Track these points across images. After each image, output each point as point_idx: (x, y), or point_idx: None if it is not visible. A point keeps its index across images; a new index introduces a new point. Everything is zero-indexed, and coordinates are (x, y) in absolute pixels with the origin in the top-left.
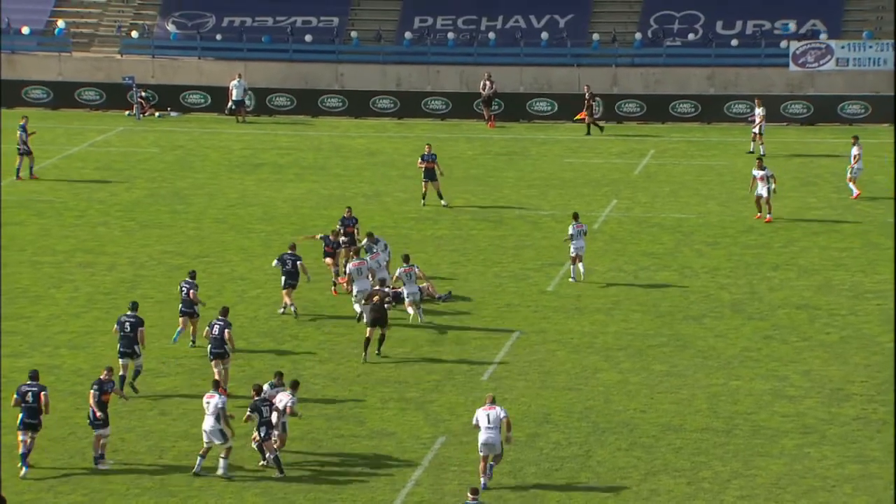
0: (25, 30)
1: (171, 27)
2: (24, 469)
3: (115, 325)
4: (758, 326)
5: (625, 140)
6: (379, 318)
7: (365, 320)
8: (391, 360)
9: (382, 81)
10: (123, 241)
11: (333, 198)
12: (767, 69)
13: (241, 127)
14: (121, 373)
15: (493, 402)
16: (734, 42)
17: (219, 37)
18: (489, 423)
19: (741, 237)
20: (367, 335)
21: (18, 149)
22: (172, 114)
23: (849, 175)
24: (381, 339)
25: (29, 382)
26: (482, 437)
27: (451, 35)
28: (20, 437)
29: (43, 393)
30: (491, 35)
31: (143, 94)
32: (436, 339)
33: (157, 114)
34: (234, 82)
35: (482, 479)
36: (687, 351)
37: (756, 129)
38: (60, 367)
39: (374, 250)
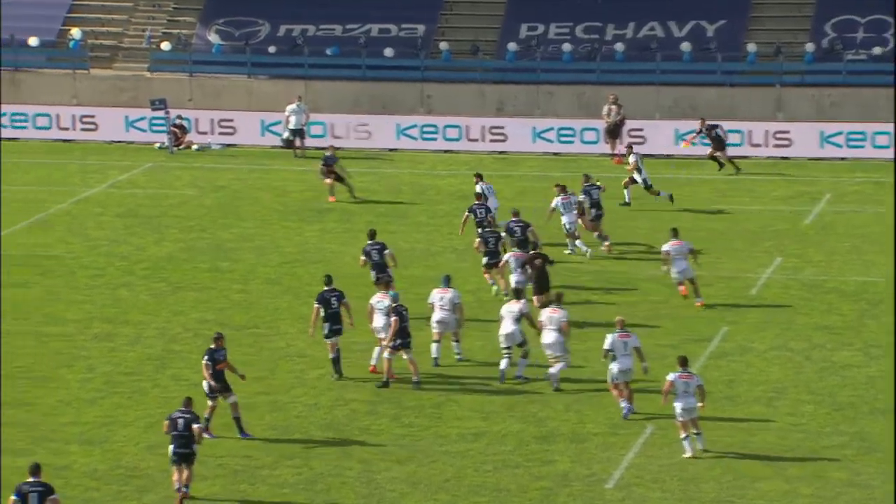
0: (33, 41)
1: (213, 37)
2: None
3: (166, 422)
4: None
5: (791, 181)
6: (544, 284)
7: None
8: (489, 462)
9: (479, 105)
10: (151, 308)
11: (416, 252)
12: None
13: (299, 163)
14: (175, 484)
15: None
16: None
17: (273, 49)
18: None
19: None
20: (536, 303)
21: None
22: (214, 146)
23: None
24: (551, 301)
25: (30, 481)
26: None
27: (566, 47)
28: None
29: (51, 498)
30: (618, 46)
31: (178, 121)
32: (546, 434)
33: (194, 146)
34: (292, 106)
35: None
36: (874, 454)
37: None
38: (70, 468)
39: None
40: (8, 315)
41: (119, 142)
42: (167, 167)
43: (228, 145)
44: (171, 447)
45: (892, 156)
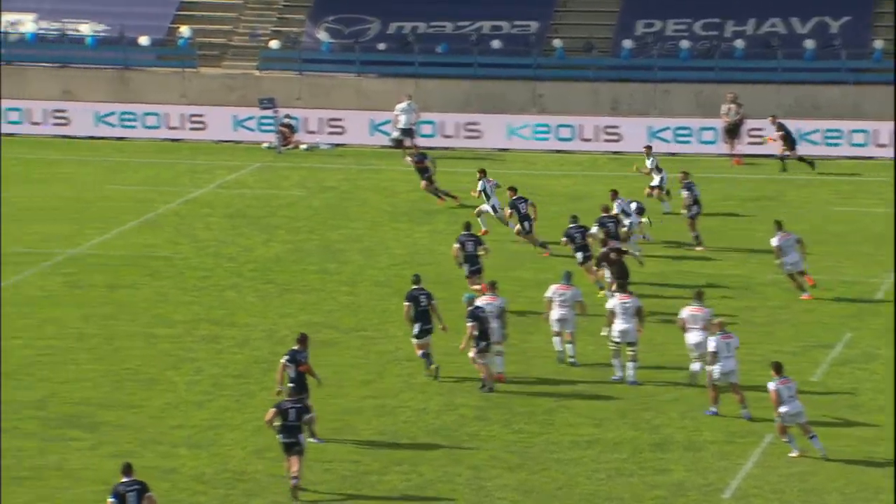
0: (143, 40)
1: (322, 35)
2: None
3: (273, 410)
4: None
5: None
6: (624, 278)
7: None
8: (602, 469)
9: (594, 104)
10: (258, 310)
11: (527, 255)
12: None
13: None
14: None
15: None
16: None
17: (382, 47)
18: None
19: None
20: (609, 290)
21: None
22: (323, 145)
23: None
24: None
25: (125, 481)
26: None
27: (684, 44)
28: None
29: (147, 496)
30: (738, 43)
31: (287, 120)
32: (660, 442)
33: (303, 146)
34: (402, 105)
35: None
36: None
37: None
38: (178, 471)
39: None
40: (117, 316)
41: (227, 141)
42: (275, 167)
43: (337, 145)
44: (279, 436)
45: None
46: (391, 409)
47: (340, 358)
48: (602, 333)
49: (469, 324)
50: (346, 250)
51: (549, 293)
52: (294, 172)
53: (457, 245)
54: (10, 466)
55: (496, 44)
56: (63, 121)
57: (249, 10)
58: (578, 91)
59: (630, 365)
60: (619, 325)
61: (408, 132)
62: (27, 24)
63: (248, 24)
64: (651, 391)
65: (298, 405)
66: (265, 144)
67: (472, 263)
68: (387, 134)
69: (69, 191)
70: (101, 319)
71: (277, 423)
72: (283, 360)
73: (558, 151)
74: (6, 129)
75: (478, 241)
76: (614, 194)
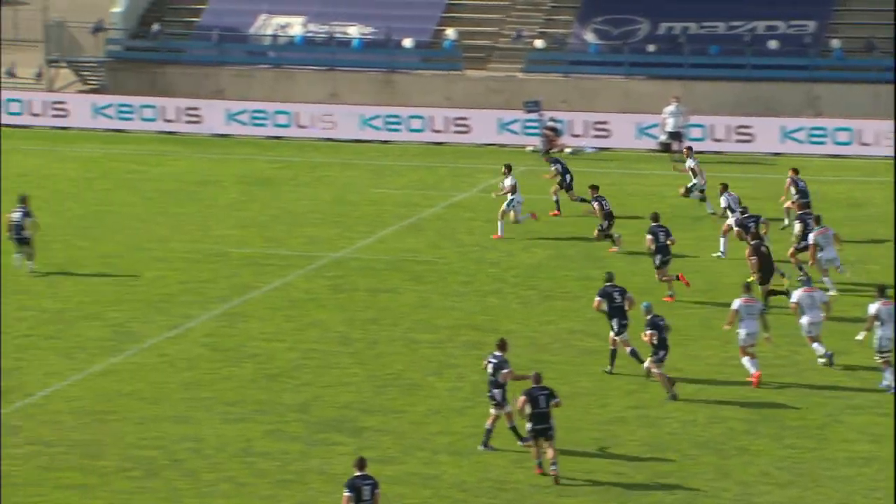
0: (408, 42)
1: (590, 36)
2: None
3: (522, 397)
4: None
5: None
6: (769, 273)
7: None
8: (880, 489)
9: (874, 107)
10: (521, 316)
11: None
12: None
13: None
14: (534, 458)
15: None
16: None
17: (651, 48)
18: None
19: None
20: (764, 291)
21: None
22: (588, 149)
23: None
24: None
25: (360, 475)
26: None
27: None
28: None
29: (377, 492)
30: None
31: (551, 123)
32: None
33: (568, 149)
34: (670, 108)
35: None
36: None
37: None
38: (439, 478)
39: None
40: (380, 320)
41: (491, 144)
42: (540, 171)
43: (602, 149)
44: (528, 424)
45: None
46: (655, 420)
47: (603, 366)
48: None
49: (648, 332)
50: (610, 257)
51: (795, 298)
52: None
53: (650, 236)
54: (274, 470)
55: (773, 44)
56: (329, 124)
57: (516, 11)
58: (858, 93)
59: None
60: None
61: (676, 135)
62: (296, 26)
63: (513, 26)
64: None
65: (546, 391)
66: (529, 148)
67: (664, 254)
68: (654, 137)
69: (334, 194)
70: (363, 323)
71: (528, 410)
72: (486, 365)
73: (835, 156)
74: (274, 132)
75: (668, 232)
76: (724, 188)
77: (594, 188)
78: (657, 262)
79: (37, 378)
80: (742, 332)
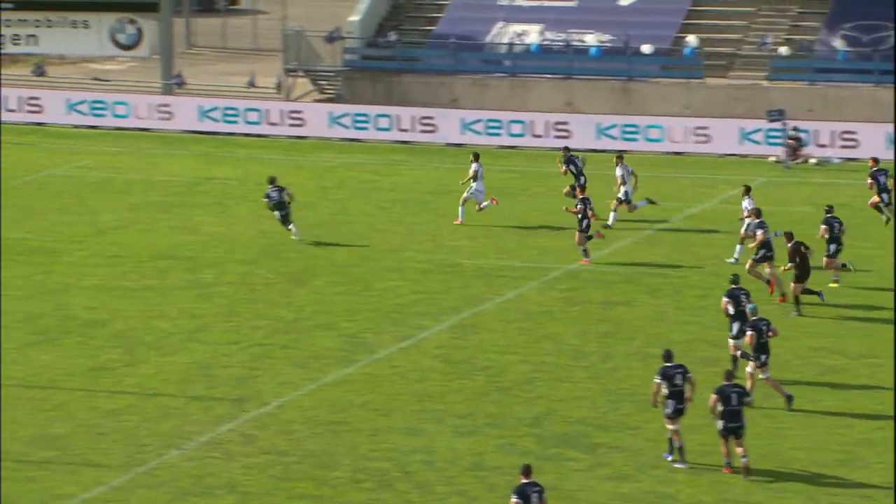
0: (645, 48)
1: (838, 43)
2: None
3: (714, 396)
4: None
5: None
6: (806, 273)
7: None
8: None
9: None
10: None
11: None
12: None
13: None
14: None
15: None
16: None
17: None
18: None
19: None
20: (794, 291)
21: None
22: (834, 160)
23: None
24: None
25: (528, 482)
26: None
27: None
28: None
29: (544, 497)
30: None
31: (795, 133)
32: None
33: (812, 160)
34: None
35: None
36: None
37: None
38: (675, 498)
39: None
40: (614, 334)
41: (732, 155)
42: (782, 182)
43: (849, 159)
44: (719, 422)
45: None
46: None
47: (846, 383)
48: None
49: (748, 333)
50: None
51: None
52: (802, 188)
53: (823, 226)
54: (505, 484)
55: None
56: (564, 133)
57: (761, 17)
58: None
59: None
60: None
61: None
62: (532, 34)
63: (757, 33)
64: None
65: (738, 389)
66: (772, 158)
67: (838, 243)
68: None
69: (565, 204)
70: (597, 337)
71: (720, 408)
72: (657, 380)
73: None
74: (508, 141)
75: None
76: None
77: (581, 188)
78: (831, 250)
79: (271, 387)
80: None
